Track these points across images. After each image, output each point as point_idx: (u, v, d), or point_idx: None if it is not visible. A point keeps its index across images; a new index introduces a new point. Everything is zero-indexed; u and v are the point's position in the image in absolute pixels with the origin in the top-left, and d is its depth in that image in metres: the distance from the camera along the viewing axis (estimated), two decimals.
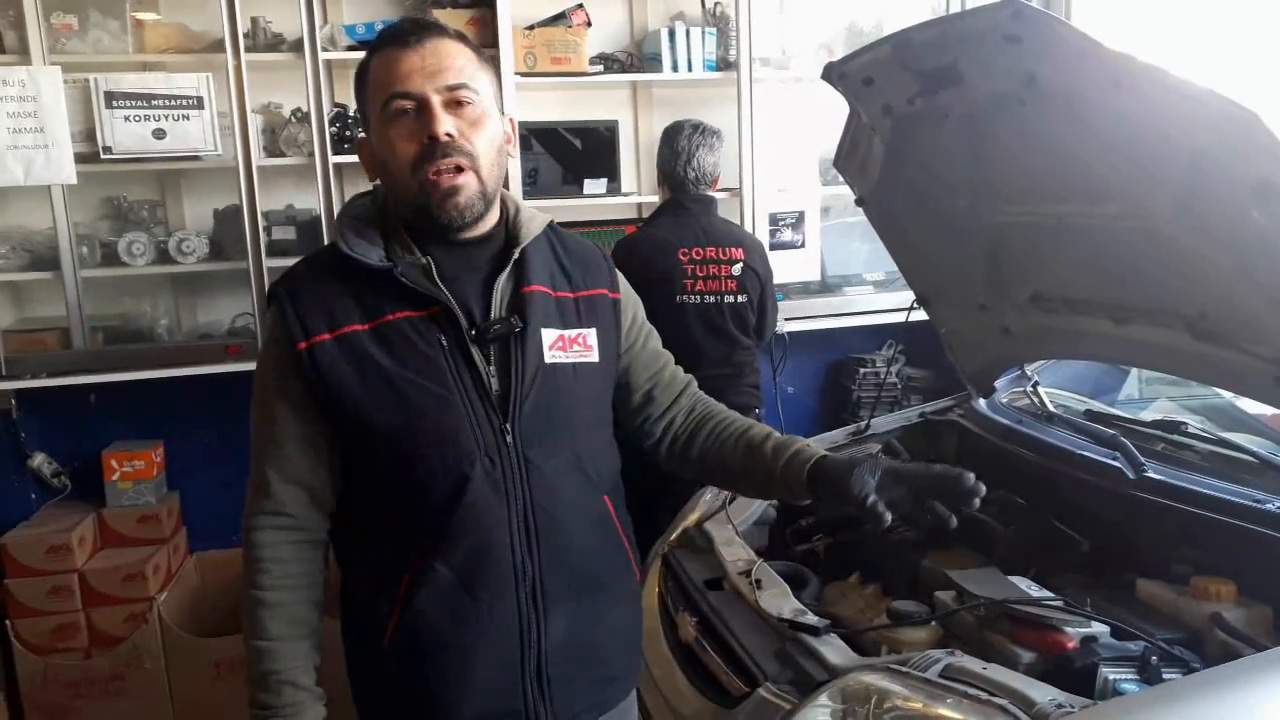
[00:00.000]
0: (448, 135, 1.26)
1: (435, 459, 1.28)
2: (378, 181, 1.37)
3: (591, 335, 1.40)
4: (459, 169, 1.27)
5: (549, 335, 1.36)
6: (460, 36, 1.33)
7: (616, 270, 1.51)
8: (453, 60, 1.28)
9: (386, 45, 1.30)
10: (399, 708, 1.36)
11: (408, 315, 1.30)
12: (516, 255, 1.36)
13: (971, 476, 1.28)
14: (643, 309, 1.55)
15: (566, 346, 1.37)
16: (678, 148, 2.88)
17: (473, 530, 1.28)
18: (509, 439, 1.30)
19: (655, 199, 3.20)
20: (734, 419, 1.53)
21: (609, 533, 1.42)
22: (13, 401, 3.18)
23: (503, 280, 1.35)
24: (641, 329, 1.53)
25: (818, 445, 1.43)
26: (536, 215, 1.42)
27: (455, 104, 1.28)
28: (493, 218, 1.37)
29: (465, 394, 1.29)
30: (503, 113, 1.37)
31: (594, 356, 1.39)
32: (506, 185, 1.41)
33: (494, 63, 1.37)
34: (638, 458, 1.56)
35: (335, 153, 3.09)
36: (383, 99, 1.28)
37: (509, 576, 1.30)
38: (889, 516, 1.28)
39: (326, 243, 1.38)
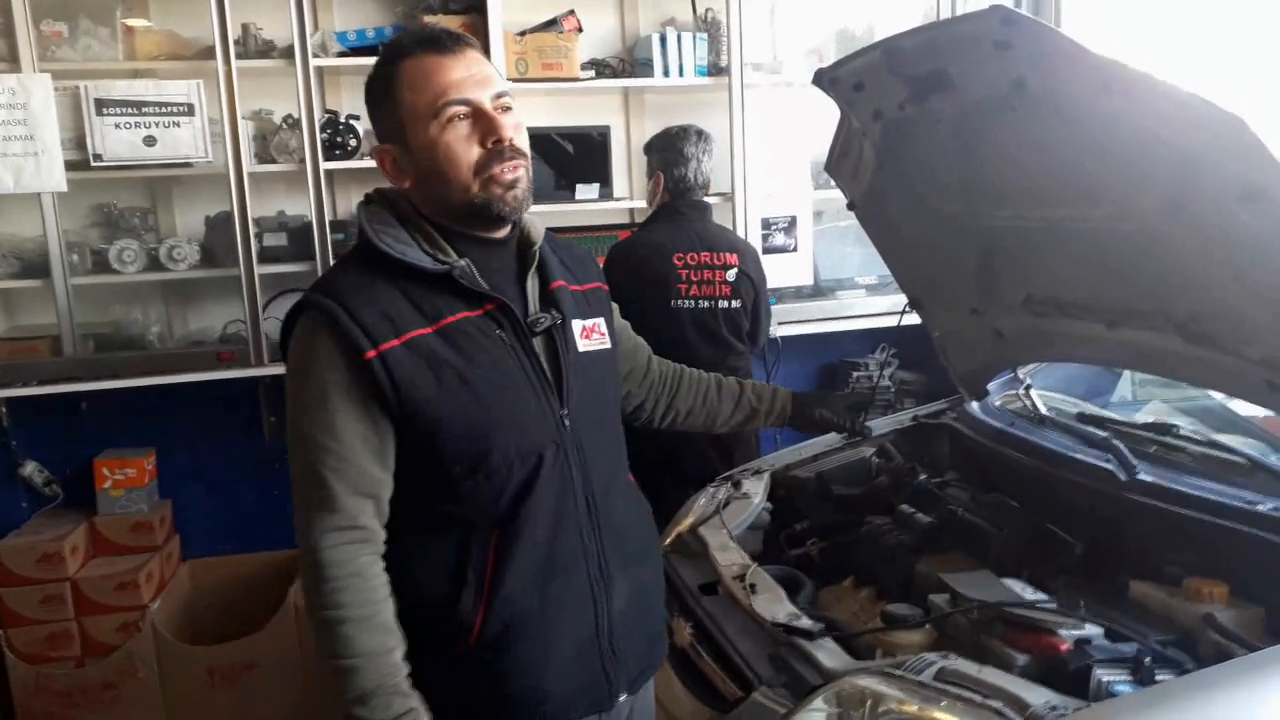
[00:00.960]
0: (510, 139, 1.34)
1: (511, 448, 1.35)
2: (400, 185, 1.40)
3: (603, 324, 1.52)
4: (516, 167, 1.36)
5: (578, 326, 1.47)
6: (481, 48, 1.41)
7: (597, 263, 1.66)
8: (490, 70, 1.37)
9: (422, 51, 1.34)
10: (494, 695, 1.35)
11: (465, 315, 1.36)
12: (536, 255, 1.45)
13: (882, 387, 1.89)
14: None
15: (589, 335, 1.48)
16: (686, 154, 2.88)
17: (549, 512, 1.36)
18: (567, 424, 1.40)
19: (645, 204, 3.20)
20: (702, 374, 1.88)
21: (641, 503, 1.57)
22: (3, 410, 3.19)
23: (531, 277, 1.45)
24: (615, 310, 1.66)
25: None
26: (536, 219, 1.51)
27: (503, 110, 1.35)
28: None
29: (531, 384, 1.38)
30: None
31: (608, 343, 1.52)
32: None
33: None
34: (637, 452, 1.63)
35: (326, 159, 3.09)
36: (434, 105, 1.32)
37: (579, 555, 1.39)
38: (871, 429, 2.00)
39: (353, 247, 1.42)
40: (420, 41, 1.35)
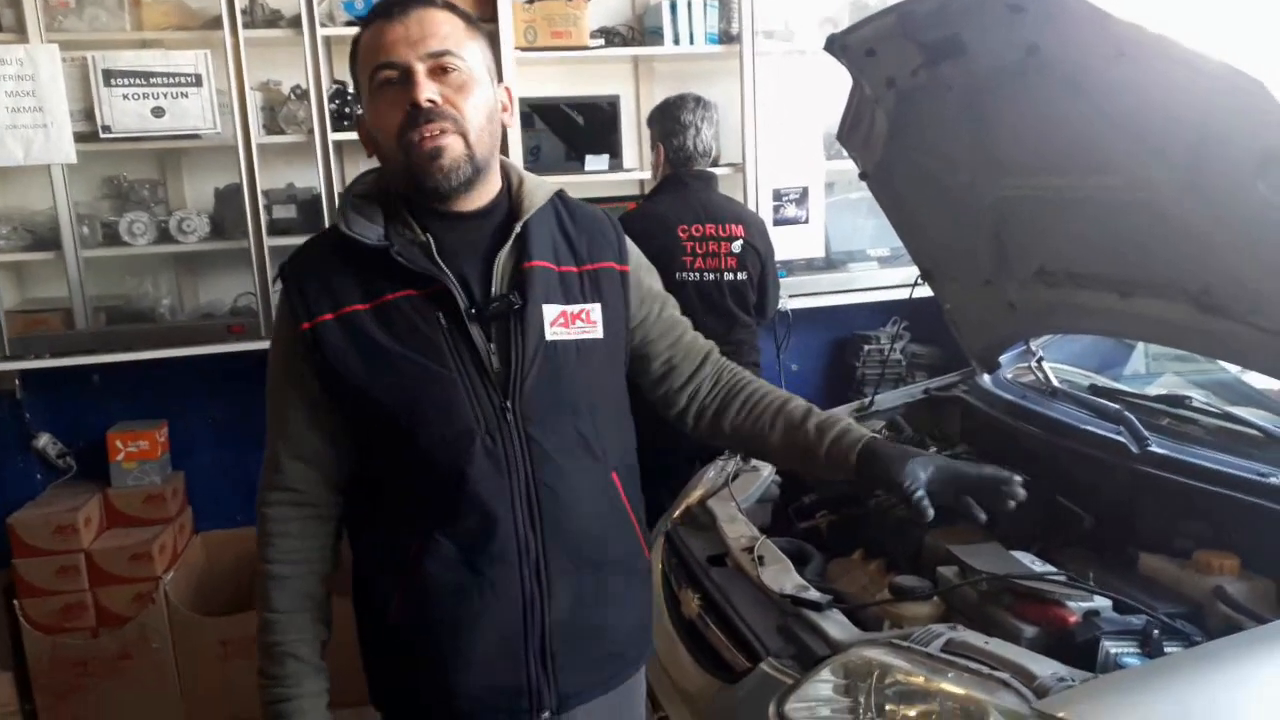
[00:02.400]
0: (430, 101, 1.25)
1: (436, 436, 1.29)
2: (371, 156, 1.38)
3: (596, 310, 1.38)
4: (443, 133, 1.26)
5: (550, 312, 1.34)
6: (448, 5, 1.32)
7: (626, 239, 1.49)
8: (438, 28, 1.28)
9: (373, 19, 1.30)
10: (405, 678, 1.38)
11: (407, 294, 1.30)
12: (518, 230, 1.35)
13: (1019, 482, 1.34)
14: (657, 277, 1.54)
15: (569, 323, 1.35)
16: (685, 121, 2.85)
17: (475, 506, 1.29)
18: (509, 416, 1.30)
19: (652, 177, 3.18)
20: (767, 391, 1.53)
21: (615, 510, 1.42)
22: (17, 382, 3.19)
23: (503, 256, 1.34)
24: (656, 297, 1.52)
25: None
26: (543, 185, 1.41)
27: (440, 70, 1.27)
28: (491, 189, 1.37)
29: (464, 372, 1.29)
30: (499, 82, 1.36)
31: (598, 332, 1.38)
32: None
33: (486, 32, 1.38)
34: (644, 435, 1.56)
35: (335, 130, 3.07)
36: (369, 70, 1.28)
37: (512, 552, 1.31)
38: (932, 513, 1.33)
39: (330, 222, 1.40)
40: (376, 9, 1.31)
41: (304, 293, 1.32)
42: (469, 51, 1.30)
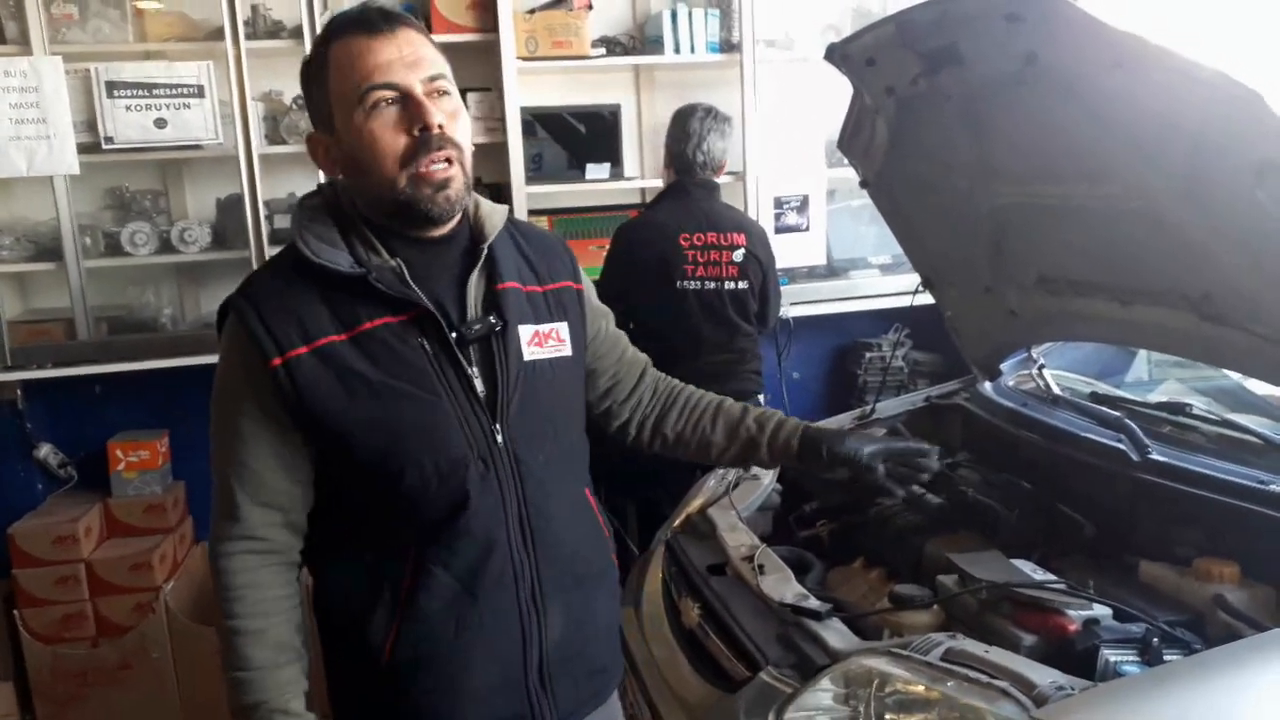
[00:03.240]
0: (439, 126, 1.22)
1: (429, 466, 1.26)
2: (327, 178, 1.35)
3: (563, 329, 1.39)
4: (448, 161, 1.24)
5: (526, 332, 1.34)
6: (422, 27, 1.30)
7: (575, 258, 1.49)
8: (426, 50, 1.25)
9: (351, 33, 1.23)
10: (401, 718, 1.32)
11: (386, 321, 1.26)
12: (485, 252, 1.34)
13: (934, 454, 1.55)
14: (595, 292, 1.54)
15: (542, 342, 1.35)
16: (689, 130, 2.87)
17: (472, 534, 1.27)
18: (499, 440, 1.29)
19: (658, 183, 3.19)
20: (702, 396, 1.61)
21: (594, 525, 1.43)
22: (18, 392, 3.20)
23: (475, 278, 1.32)
24: (602, 314, 1.53)
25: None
26: (496, 209, 1.39)
27: (435, 95, 1.24)
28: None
29: (454, 398, 1.27)
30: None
31: (567, 350, 1.38)
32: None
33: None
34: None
35: None
36: (359, 90, 1.21)
37: (509, 577, 1.29)
38: (883, 476, 1.51)
39: (288, 245, 1.33)
40: (351, 22, 1.24)
41: (268, 325, 1.23)
42: (451, 76, 1.28)
